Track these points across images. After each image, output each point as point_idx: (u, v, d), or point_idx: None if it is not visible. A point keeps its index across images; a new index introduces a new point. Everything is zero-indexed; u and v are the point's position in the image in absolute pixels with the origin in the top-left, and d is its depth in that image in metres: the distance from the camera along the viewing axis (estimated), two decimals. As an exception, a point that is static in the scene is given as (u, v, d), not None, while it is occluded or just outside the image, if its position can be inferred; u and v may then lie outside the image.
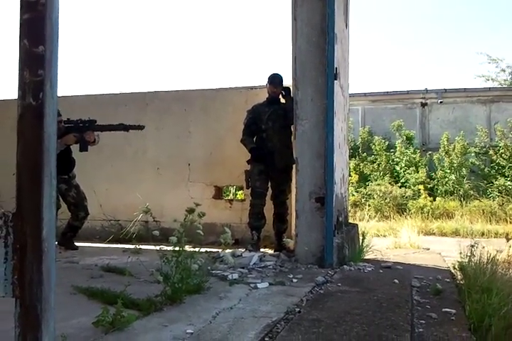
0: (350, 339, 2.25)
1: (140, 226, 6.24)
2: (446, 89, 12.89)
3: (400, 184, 11.82)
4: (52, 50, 0.93)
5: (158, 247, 3.03)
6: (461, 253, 4.31)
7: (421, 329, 2.87)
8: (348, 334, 2.31)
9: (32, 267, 0.93)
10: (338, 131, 4.60)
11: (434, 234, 8.12)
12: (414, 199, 10.83)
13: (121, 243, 5.42)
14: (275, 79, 4.83)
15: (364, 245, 5.07)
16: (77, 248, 5.14)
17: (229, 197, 6.58)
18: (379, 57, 31.14)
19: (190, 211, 2.89)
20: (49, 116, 0.94)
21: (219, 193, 5.86)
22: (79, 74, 28.84)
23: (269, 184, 4.81)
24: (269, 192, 4.85)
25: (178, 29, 31.94)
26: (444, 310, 3.20)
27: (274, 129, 4.80)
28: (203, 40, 32.26)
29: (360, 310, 2.74)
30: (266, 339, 2.27)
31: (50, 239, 0.97)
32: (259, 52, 32.09)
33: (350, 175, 12.11)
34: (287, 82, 4.74)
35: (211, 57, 30.50)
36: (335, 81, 4.12)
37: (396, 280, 3.55)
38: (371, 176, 12.23)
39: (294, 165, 4.40)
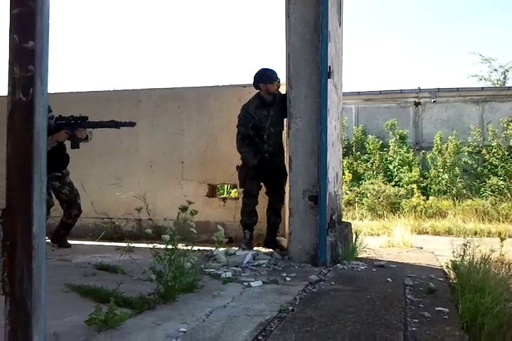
0: (344, 337, 2.25)
1: (133, 225, 6.24)
2: (439, 89, 12.93)
3: (393, 183, 11.85)
4: (42, 45, 0.91)
5: (151, 245, 3.02)
6: (454, 252, 4.32)
7: (414, 328, 2.87)
8: (341, 333, 2.31)
9: (22, 264, 0.92)
10: (331, 129, 4.59)
11: (427, 233, 8.15)
12: (408, 198, 10.86)
13: (114, 241, 5.40)
14: (273, 76, 4.67)
15: (357, 244, 5.08)
16: (70, 246, 5.12)
17: (223, 196, 6.56)
18: (372, 56, 31.23)
19: (183, 209, 2.87)
20: (39, 112, 0.92)
21: (212, 191, 5.84)
22: (72, 71, 28.71)
23: (264, 182, 4.79)
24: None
25: (173, 26, 31.86)
26: (437, 308, 3.20)
27: (276, 132, 4.75)
28: (197, 37, 32.20)
29: (354, 308, 2.74)
30: (259, 337, 2.26)
31: (40, 236, 0.95)
32: (252, 50, 32.06)
33: (343, 174, 12.15)
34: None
35: (204, 54, 30.45)
36: (328, 79, 4.11)
37: (389, 279, 3.55)
38: (364, 175, 12.26)
39: None
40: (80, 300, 2.84)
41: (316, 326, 2.40)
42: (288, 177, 4.34)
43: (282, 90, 4.67)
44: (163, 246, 2.92)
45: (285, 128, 4.60)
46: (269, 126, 4.69)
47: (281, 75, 4.64)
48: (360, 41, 30.48)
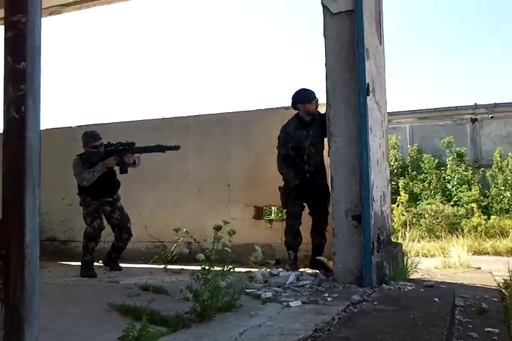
0: (377, 357, 2.18)
1: (183, 248, 6.33)
2: (496, 104, 12.49)
3: (452, 202, 11.43)
4: (34, 65, 0.98)
5: (199, 268, 3.03)
6: (510, 271, 4.12)
7: (459, 349, 2.75)
8: (375, 352, 2.24)
9: (16, 272, 0.97)
10: (375, 147, 4.54)
11: (487, 253, 7.77)
12: (468, 218, 10.43)
13: (165, 264, 5.50)
14: (311, 95, 4.69)
15: (408, 264, 4.92)
16: (121, 269, 5.26)
17: (270, 217, 6.57)
18: (426, 73, 30.57)
19: (218, 228, 2.91)
20: (31, 128, 0.99)
21: (259, 213, 5.87)
22: (125, 101, 29.92)
23: (307, 202, 4.76)
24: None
25: (212, 52, 32.65)
26: (486, 329, 3.05)
27: (316, 152, 4.74)
28: (241, 59, 32.80)
29: (393, 328, 2.65)
30: (289, 356, 2.23)
31: (33, 246, 1.01)
32: (294, 72, 32.24)
33: (399, 195, 11.87)
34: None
35: (249, 77, 30.88)
36: (368, 97, 4.09)
37: (436, 299, 3.41)
38: (421, 195, 11.91)
39: None
40: (119, 318, 2.91)
41: (350, 345, 2.34)
42: (330, 196, 4.30)
43: (323, 110, 4.68)
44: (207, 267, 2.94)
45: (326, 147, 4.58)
46: (309, 146, 4.69)
47: (323, 95, 4.66)
48: (411, 57, 30.03)
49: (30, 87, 0.97)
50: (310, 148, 4.69)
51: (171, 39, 33.37)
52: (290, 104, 4.82)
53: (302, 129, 4.71)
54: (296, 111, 4.80)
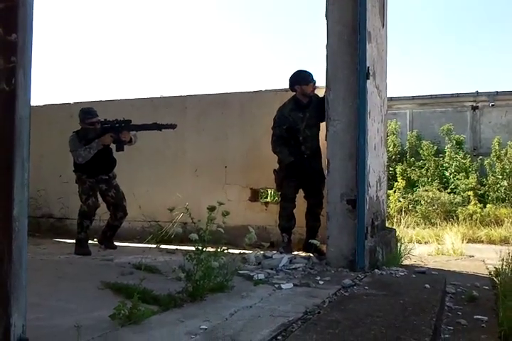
0: (366, 340, 2.20)
1: (179, 228, 6.34)
2: (498, 92, 12.41)
3: (449, 190, 11.44)
4: (25, 37, 0.96)
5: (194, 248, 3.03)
6: (503, 259, 4.14)
7: (447, 335, 2.78)
8: (364, 336, 2.25)
9: (3, 245, 0.96)
10: (373, 132, 4.52)
11: (482, 241, 7.80)
12: (464, 205, 10.45)
13: (159, 243, 5.51)
14: (308, 77, 4.66)
15: (401, 250, 4.95)
16: (115, 247, 5.27)
17: (267, 200, 6.56)
18: (428, 59, 30.32)
19: (212, 209, 2.91)
20: (22, 101, 0.97)
21: (255, 195, 5.86)
22: (123, 78, 29.70)
23: (302, 186, 4.76)
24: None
25: (215, 33, 32.31)
26: (475, 317, 3.08)
27: (312, 135, 4.72)
28: (241, 40, 32.47)
29: (383, 312, 2.66)
30: (279, 337, 2.25)
31: (21, 219, 0.99)
32: (293, 53, 31.98)
33: (396, 181, 11.87)
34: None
35: (246, 58, 30.63)
36: (368, 80, 4.05)
37: (427, 285, 3.42)
38: (419, 182, 11.91)
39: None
40: (111, 296, 2.92)
41: (339, 329, 2.36)
42: (326, 180, 4.30)
43: (322, 93, 4.65)
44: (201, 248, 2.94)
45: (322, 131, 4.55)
46: (305, 129, 4.67)
47: (322, 78, 4.62)
48: (414, 43, 29.78)
49: (21, 59, 0.95)
50: (305, 130, 4.67)
51: (172, 15, 32.97)
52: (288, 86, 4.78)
53: (298, 111, 4.69)
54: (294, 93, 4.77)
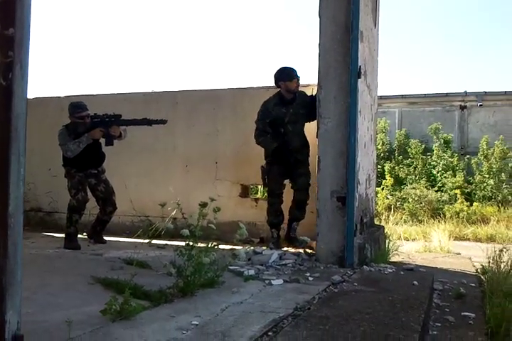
0: (355, 336, 2.22)
1: (170, 224, 6.32)
2: (486, 92, 12.54)
3: (436, 188, 11.56)
4: (22, 32, 0.96)
5: (184, 243, 3.04)
6: (489, 257, 4.19)
7: (435, 332, 2.81)
8: (353, 332, 2.28)
9: (-3, 241, 0.96)
10: (363, 130, 4.55)
11: (468, 239, 7.89)
12: (451, 204, 10.57)
13: (150, 238, 5.51)
14: (292, 73, 4.70)
15: (389, 247, 4.99)
16: (105, 242, 5.25)
17: (257, 196, 6.57)
18: (417, 58, 30.46)
19: (203, 205, 2.92)
20: (18, 96, 0.97)
21: (245, 191, 5.87)
22: (110, 73, 29.51)
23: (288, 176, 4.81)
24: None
25: (206, 29, 32.19)
26: (463, 313, 3.12)
27: (294, 131, 4.76)
28: (230, 38, 32.40)
29: (372, 309, 2.70)
30: (269, 333, 2.27)
31: (16, 215, 0.99)
32: (285, 51, 31.97)
33: (384, 178, 11.96)
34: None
35: (238, 55, 30.58)
36: (359, 79, 4.07)
37: (415, 282, 3.47)
38: (406, 179, 12.01)
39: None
40: (102, 291, 2.92)
41: (329, 325, 2.38)
42: (316, 177, 4.32)
43: (309, 92, 4.70)
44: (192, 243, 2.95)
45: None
46: (287, 124, 4.72)
47: (314, 76, 4.63)
48: (404, 42, 29.89)
49: (19, 54, 0.95)
50: (288, 126, 4.72)
51: (164, 11, 32.75)
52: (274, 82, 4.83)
53: (282, 106, 4.75)
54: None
